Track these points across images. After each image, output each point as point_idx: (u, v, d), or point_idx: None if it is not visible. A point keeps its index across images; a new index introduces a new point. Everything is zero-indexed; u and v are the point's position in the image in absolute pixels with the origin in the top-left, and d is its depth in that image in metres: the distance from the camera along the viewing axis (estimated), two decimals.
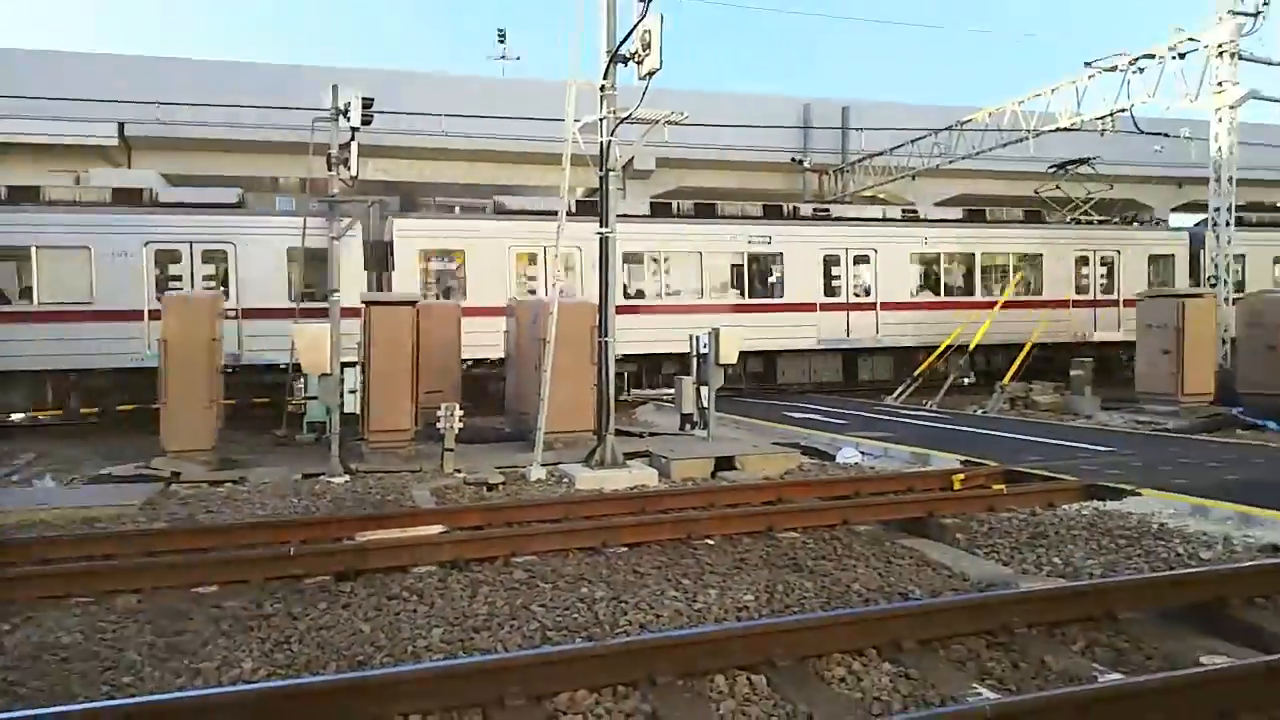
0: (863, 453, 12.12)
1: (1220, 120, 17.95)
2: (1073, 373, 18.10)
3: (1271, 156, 31.96)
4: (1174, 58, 18.35)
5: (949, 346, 20.45)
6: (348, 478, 10.73)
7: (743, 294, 20.73)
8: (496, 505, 8.90)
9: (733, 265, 20.88)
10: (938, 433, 13.76)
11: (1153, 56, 18.75)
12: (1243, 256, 23.53)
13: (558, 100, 11.62)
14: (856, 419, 15.52)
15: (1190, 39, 17.92)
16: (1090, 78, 20.38)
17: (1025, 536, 7.53)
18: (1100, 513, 8.27)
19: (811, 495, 9.25)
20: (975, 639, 5.08)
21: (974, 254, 23.10)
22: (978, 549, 7.25)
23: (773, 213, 21.73)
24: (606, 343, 10.91)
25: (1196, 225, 25.30)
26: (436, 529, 7.87)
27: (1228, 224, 18.32)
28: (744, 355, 16.73)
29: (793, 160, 31.42)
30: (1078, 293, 23.64)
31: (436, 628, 5.49)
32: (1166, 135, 23.45)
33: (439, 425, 11.24)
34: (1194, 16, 17.80)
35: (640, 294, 20.19)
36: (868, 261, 21.79)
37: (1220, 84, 17.57)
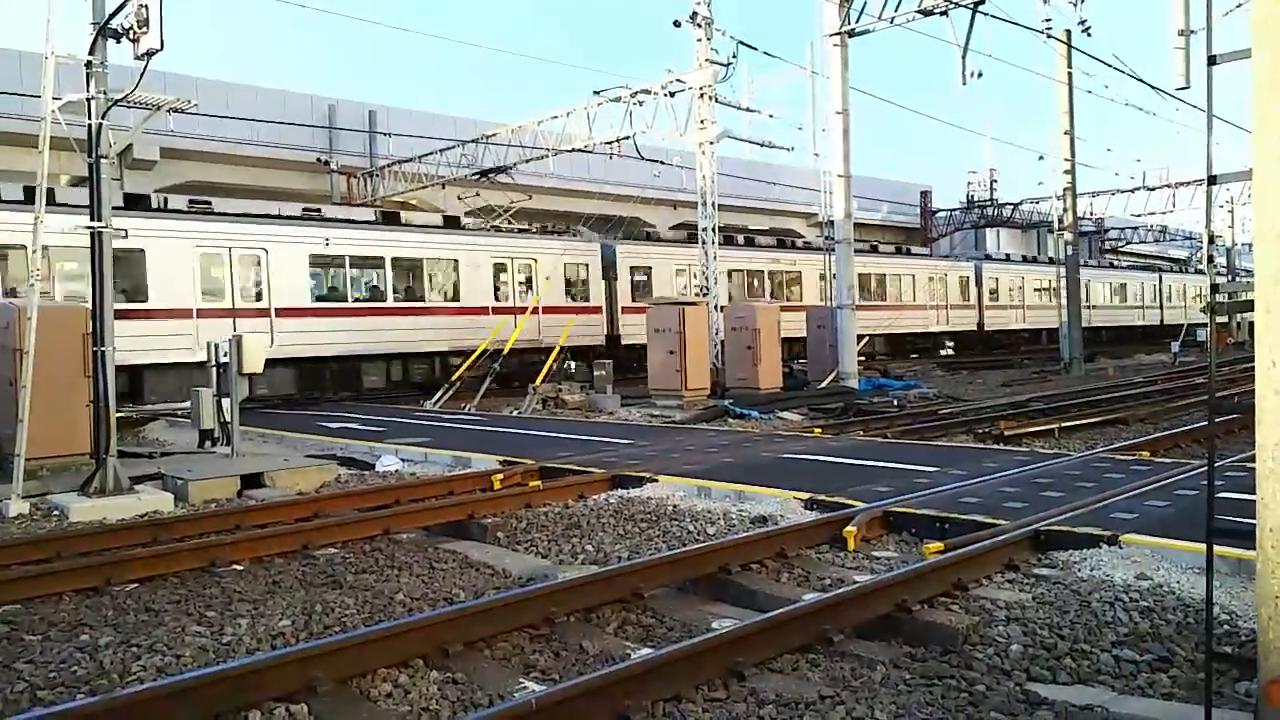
0: (403, 459, 11.96)
1: (704, 153, 20.62)
2: (595, 374, 19.64)
3: (744, 187, 37.58)
4: (666, 95, 20.79)
5: (484, 351, 21.04)
6: None
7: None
8: None
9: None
10: (477, 435, 14.04)
11: (649, 92, 21.06)
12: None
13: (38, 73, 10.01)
14: (396, 425, 15.31)
15: (678, 80, 20.40)
16: (599, 106, 22.32)
17: (561, 528, 7.93)
18: (625, 500, 8.98)
19: (349, 507, 8.89)
20: (519, 634, 5.19)
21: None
22: (518, 545, 7.48)
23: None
24: (104, 353, 9.55)
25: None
26: None
27: (714, 241, 21.07)
28: None
29: (318, 160, 30.31)
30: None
31: None
32: (662, 163, 26.40)
33: None
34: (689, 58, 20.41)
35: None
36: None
37: (702, 122, 20.19)
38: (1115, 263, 52.88)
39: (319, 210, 21.72)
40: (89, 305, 9.97)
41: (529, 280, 24.02)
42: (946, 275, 37.13)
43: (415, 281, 22.28)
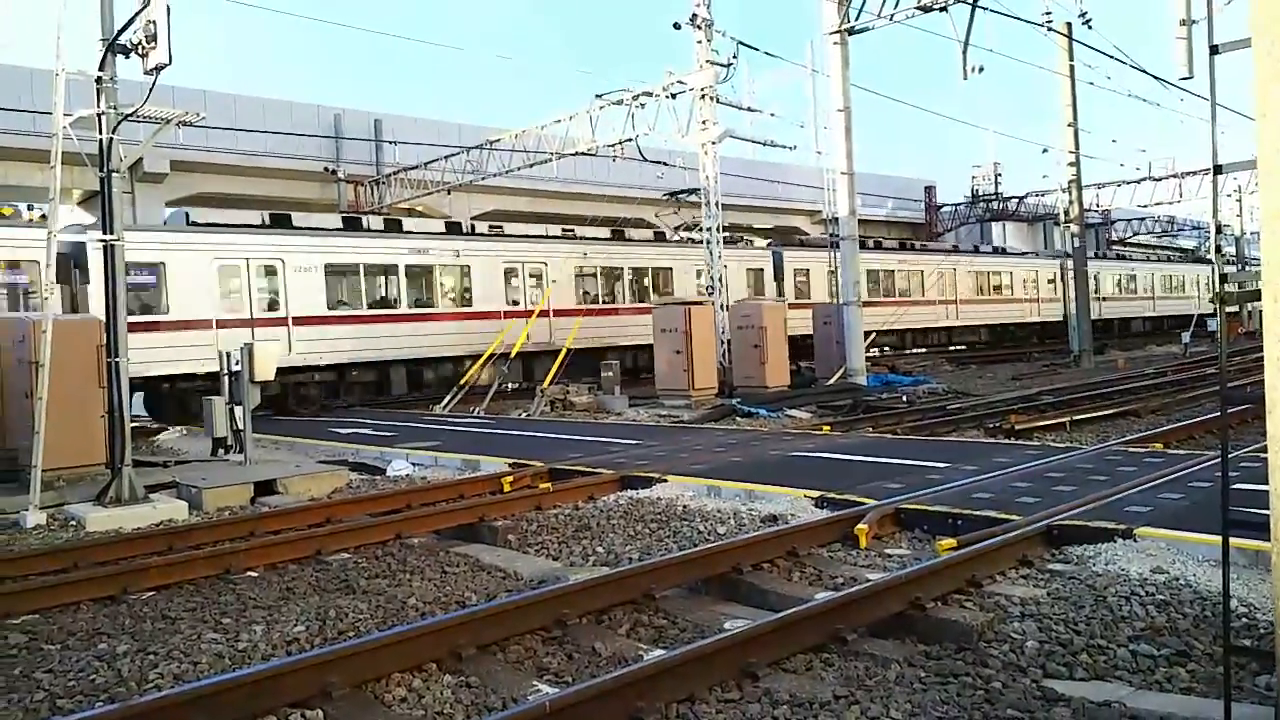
0: (413, 464, 11.99)
1: (706, 153, 20.58)
2: (603, 374, 19.63)
3: (747, 186, 37.54)
4: (668, 97, 20.76)
5: (492, 354, 21.12)
6: None
7: None
8: None
9: None
10: (486, 438, 14.07)
11: (651, 94, 21.03)
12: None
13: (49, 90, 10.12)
14: (406, 430, 15.35)
15: (679, 81, 20.37)
16: (601, 109, 22.31)
17: (571, 530, 7.94)
18: (634, 501, 8.99)
19: (361, 512, 8.91)
20: (532, 636, 5.20)
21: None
22: (529, 547, 7.50)
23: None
24: (118, 363, 9.62)
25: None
26: None
27: (718, 241, 21.01)
28: None
29: (326, 170, 30.42)
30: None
31: None
32: (665, 164, 26.41)
33: None
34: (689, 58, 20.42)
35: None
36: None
37: (704, 123, 20.16)
38: (1172, 257, 58.71)
39: (573, 231, 26.57)
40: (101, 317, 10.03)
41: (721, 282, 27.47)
42: (1038, 271, 41.00)
43: (641, 285, 26.78)
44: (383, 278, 21.55)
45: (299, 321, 19.52)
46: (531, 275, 24.06)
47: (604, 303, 25.53)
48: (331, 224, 21.67)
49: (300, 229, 20.35)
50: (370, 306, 20.96)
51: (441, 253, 22.26)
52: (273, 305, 19.38)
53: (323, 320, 19.90)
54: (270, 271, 19.41)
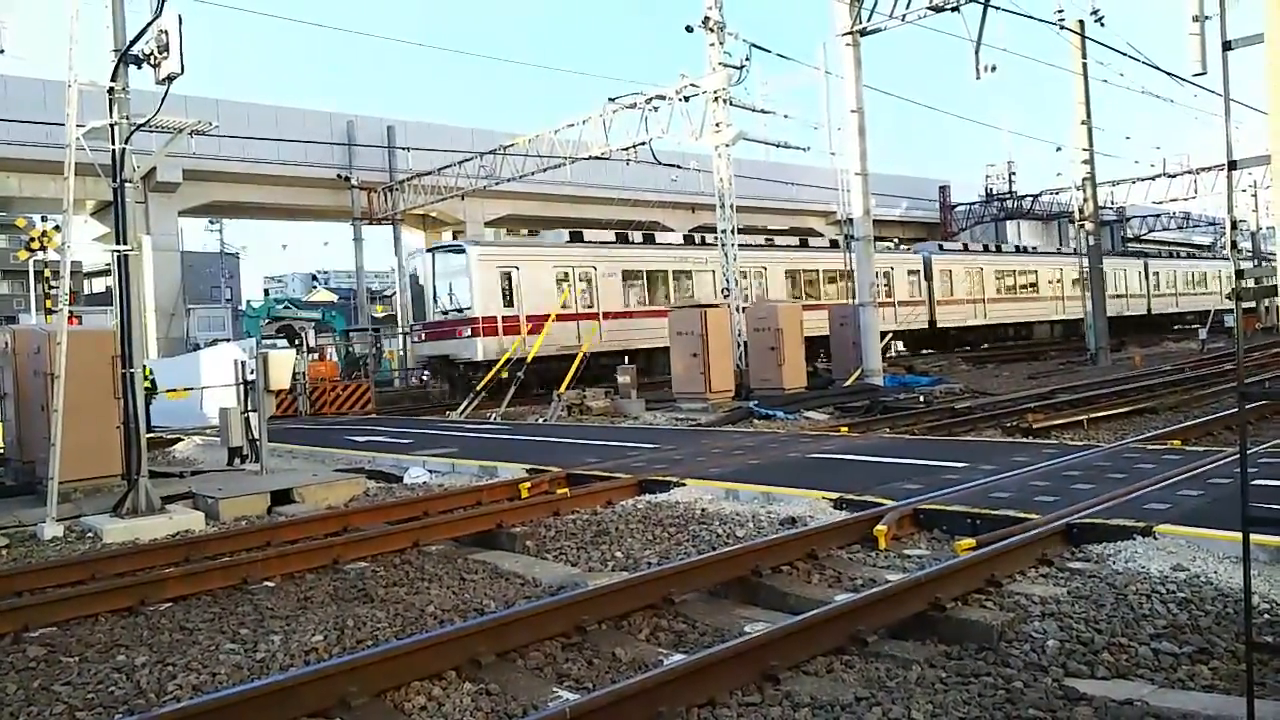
0: (430, 471, 12.01)
1: (720, 156, 20.55)
2: (619, 379, 19.62)
3: (762, 187, 37.52)
4: (681, 100, 20.74)
5: (509, 359, 21.15)
6: None
7: None
8: None
9: None
10: (503, 444, 14.08)
11: (664, 97, 21.02)
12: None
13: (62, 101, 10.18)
14: (423, 437, 15.38)
15: (692, 84, 20.35)
16: (615, 112, 22.32)
17: (590, 536, 7.92)
18: (652, 505, 8.95)
19: (379, 521, 8.92)
20: (551, 643, 5.18)
21: None
22: (547, 553, 7.48)
23: None
24: (132, 374, 9.66)
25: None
26: None
27: (733, 244, 20.99)
28: None
29: (339, 177, 30.53)
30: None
31: None
32: (679, 166, 26.41)
33: None
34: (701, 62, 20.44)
35: None
36: None
37: (717, 125, 20.13)
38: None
39: (779, 241, 31.37)
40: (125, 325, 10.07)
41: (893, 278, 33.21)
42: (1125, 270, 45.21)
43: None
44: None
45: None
46: (755, 277, 28.48)
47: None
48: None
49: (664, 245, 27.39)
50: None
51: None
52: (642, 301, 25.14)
53: None
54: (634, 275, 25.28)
